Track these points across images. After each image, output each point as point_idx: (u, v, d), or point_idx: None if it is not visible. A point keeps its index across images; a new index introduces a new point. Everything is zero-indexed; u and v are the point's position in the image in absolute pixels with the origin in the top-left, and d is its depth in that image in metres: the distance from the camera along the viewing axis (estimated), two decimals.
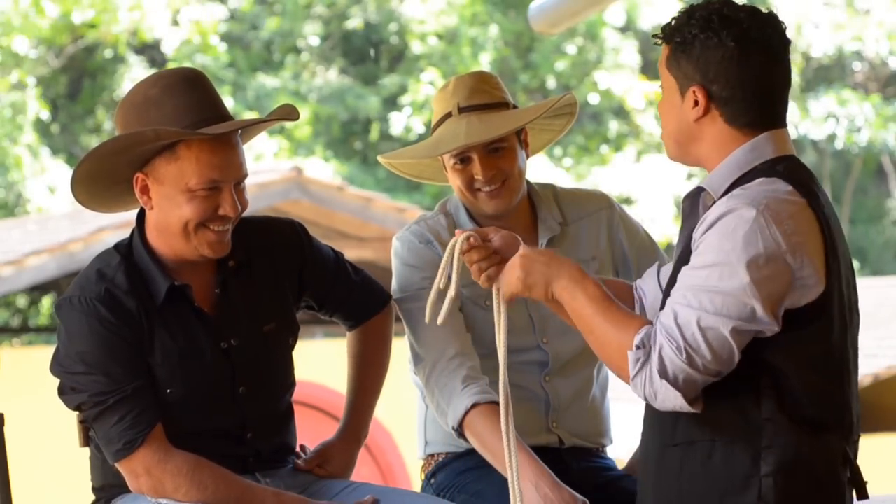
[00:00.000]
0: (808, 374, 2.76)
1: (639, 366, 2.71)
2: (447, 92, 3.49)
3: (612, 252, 3.57)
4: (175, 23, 21.43)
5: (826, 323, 2.77)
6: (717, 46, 2.82)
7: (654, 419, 2.85)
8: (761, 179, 2.77)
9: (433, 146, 3.48)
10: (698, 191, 2.87)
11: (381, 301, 3.47)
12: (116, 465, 3.11)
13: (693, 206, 2.89)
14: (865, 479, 2.84)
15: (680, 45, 2.85)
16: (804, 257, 2.71)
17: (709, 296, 2.69)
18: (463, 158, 3.43)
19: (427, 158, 3.55)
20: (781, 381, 2.75)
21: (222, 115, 3.11)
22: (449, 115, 3.47)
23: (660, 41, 2.90)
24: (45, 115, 21.11)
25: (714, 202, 2.80)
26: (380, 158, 3.64)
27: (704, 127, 2.86)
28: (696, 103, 2.84)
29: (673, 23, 2.87)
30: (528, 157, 3.52)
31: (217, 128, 3.06)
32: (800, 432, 2.74)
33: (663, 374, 2.69)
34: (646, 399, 2.75)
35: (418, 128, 22.15)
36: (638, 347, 2.71)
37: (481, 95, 3.46)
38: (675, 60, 2.86)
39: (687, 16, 2.86)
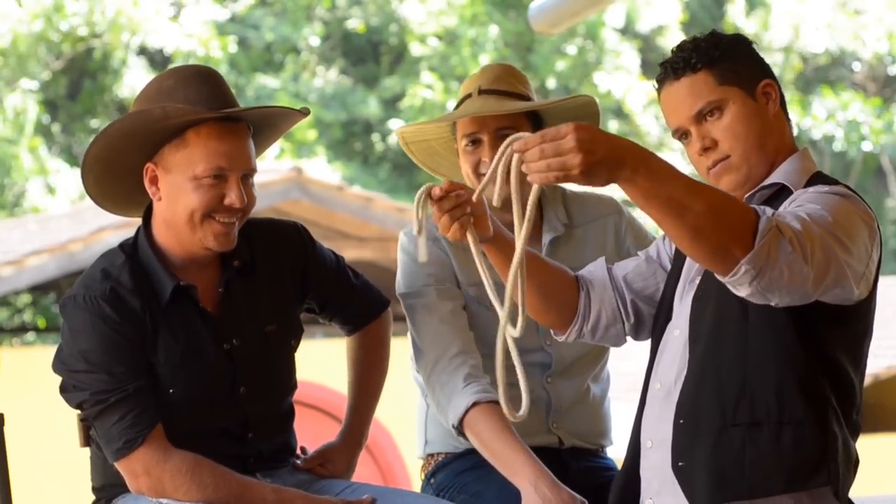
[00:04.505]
0: (855, 370, 2.88)
1: (771, 234, 2.55)
2: (474, 77, 3.53)
3: (619, 258, 3.56)
4: (176, 23, 21.42)
5: (867, 325, 2.90)
6: (751, 49, 2.96)
7: (711, 400, 2.83)
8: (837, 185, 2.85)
9: (448, 116, 3.50)
10: (781, 188, 2.88)
11: (380, 306, 3.48)
12: (116, 464, 3.12)
13: (768, 199, 2.89)
14: (867, 478, 2.92)
15: (725, 56, 2.91)
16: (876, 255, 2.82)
17: (837, 223, 2.69)
18: (474, 140, 3.44)
19: (443, 124, 3.54)
20: (841, 374, 2.84)
21: (233, 106, 3.13)
22: (469, 95, 3.49)
23: (692, 71, 2.91)
24: (46, 115, 21.10)
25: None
26: (397, 132, 3.63)
27: (777, 119, 2.95)
28: (769, 96, 2.93)
29: (693, 53, 2.91)
30: None
31: (226, 112, 3.08)
32: (849, 423, 2.87)
33: (793, 245, 2.58)
34: (758, 275, 2.56)
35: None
36: (769, 217, 2.57)
37: (503, 84, 3.48)
38: (728, 72, 2.91)
39: (698, 40, 2.93)
